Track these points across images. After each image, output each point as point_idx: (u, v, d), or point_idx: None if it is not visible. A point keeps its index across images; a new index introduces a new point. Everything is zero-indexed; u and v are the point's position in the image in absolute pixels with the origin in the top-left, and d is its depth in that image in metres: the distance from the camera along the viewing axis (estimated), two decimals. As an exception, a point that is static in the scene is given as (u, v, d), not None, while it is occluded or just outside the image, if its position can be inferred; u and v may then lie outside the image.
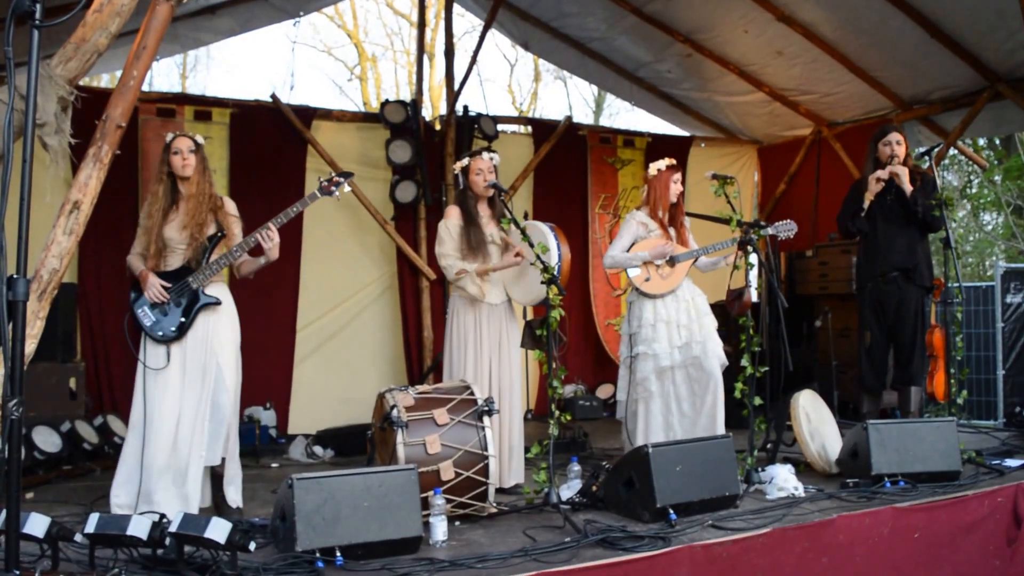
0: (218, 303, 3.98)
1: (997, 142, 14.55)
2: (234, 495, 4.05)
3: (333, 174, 4.13)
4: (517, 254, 4.37)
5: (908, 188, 5.28)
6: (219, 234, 4.01)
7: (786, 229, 4.82)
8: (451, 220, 4.49)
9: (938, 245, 5.60)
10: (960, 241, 15.21)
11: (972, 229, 16.11)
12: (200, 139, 4.08)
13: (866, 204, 5.43)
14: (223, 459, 3.97)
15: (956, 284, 5.14)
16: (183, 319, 3.90)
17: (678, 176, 4.95)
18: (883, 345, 5.53)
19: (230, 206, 4.13)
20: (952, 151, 8.72)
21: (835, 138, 7.99)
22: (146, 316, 3.90)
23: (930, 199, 5.27)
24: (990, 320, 7.75)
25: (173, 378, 3.87)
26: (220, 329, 3.97)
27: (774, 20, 6.58)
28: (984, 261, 15.69)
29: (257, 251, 4.00)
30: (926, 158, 5.72)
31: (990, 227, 16.20)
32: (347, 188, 4.09)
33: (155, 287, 3.88)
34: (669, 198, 4.93)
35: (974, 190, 15.81)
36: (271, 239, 3.91)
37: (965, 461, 4.51)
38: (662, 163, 4.95)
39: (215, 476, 4.00)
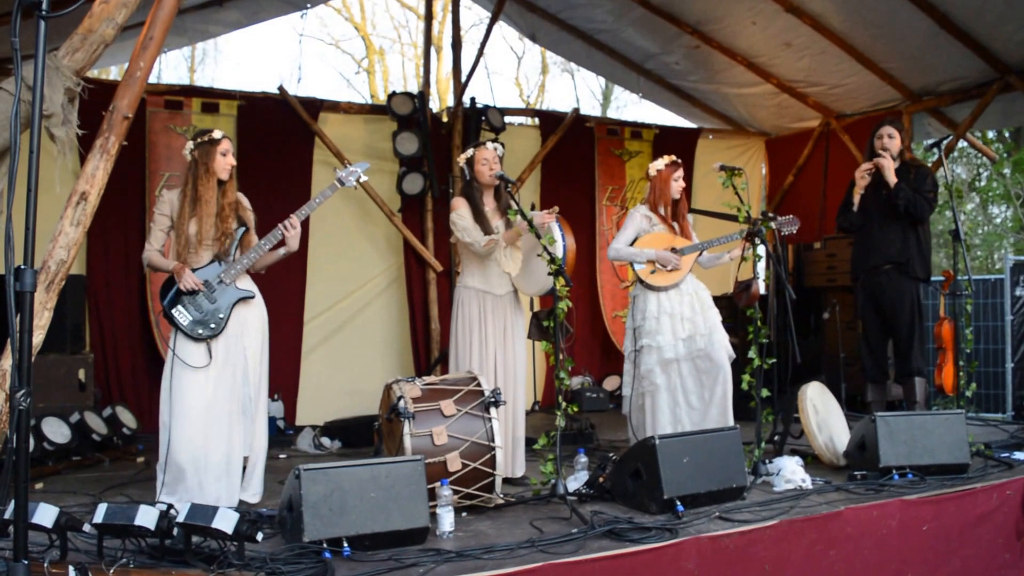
0: (252, 296, 4.02)
1: (1007, 134, 14.47)
2: (258, 488, 4.07)
3: (349, 165, 4.15)
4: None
5: (892, 180, 5.26)
6: (243, 228, 4.05)
7: (789, 225, 4.82)
8: (460, 211, 4.49)
9: (947, 238, 5.57)
10: (969, 234, 15.14)
11: (981, 222, 16.04)
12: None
13: (856, 199, 5.42)
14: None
15: (965, 277, 5.12)
16: (221, 315, 3.90)
17: (679, 174, 4.93)
18: (879, 334, 5.52)
19: (245, 200, 4.19)
20: (961, 143, 8.66)
21: (843, 130, 7.95)
22: (182, 315, 3.87)
23: (923, 190, 5.25)
24: (999, 313, 7.71)
25: (209, 373, 3.87)
26: (251, 321, 4.01)
27: (782, 11, 6.55)
28: (993, 254, 15.61)
29: (276, 244, 4.03)
30: (935, 150, 5.68)
31: (999, 220, 16.12)
32: (364, 178, 4.12)
33: (190, 278, 3.87)
34: (670, 195, 4.93)
35: (983, 183, 15.73)
36: (293, 227, 3.97)
37: (974, 454, 4.50)
38: (661, 162, 4.94)
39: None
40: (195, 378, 3.84)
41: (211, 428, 3.83)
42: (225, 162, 4.01)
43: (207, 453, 3.81)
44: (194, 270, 3.91)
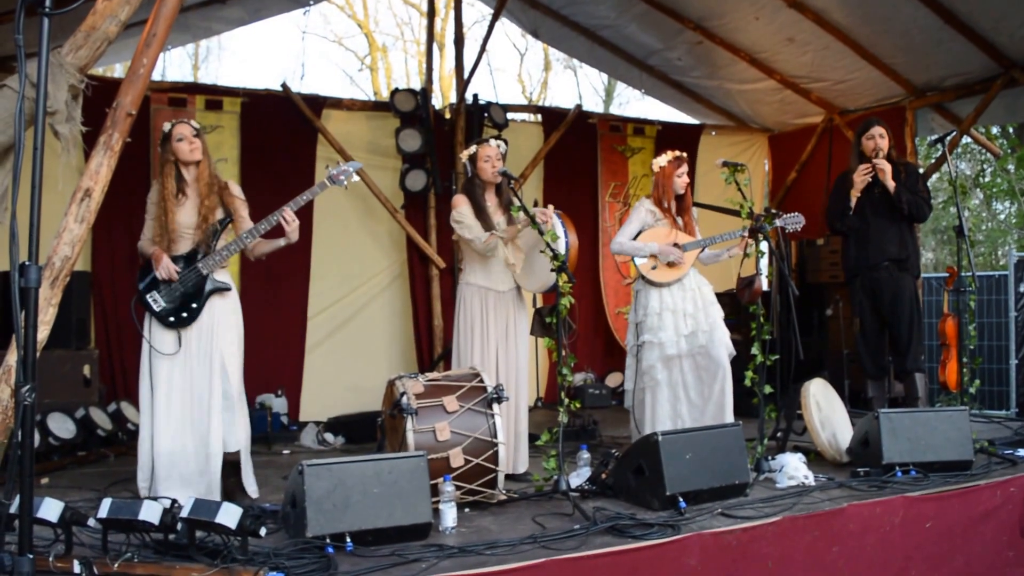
0: (228, 288, 4.00)
1: (1011, 130, 14.41)
2: (251, 484, 4.07)
3: (341, 163, 4.14)
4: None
5: (891, 185, 5.28)
6: (228, 219, 4.04)
7: (794, 222, 4.82)
8: (461, 208, 4.49)
9: (951, 234, 5.58)
10: (973, 230, 15.07)
11: (985, 218, 15.99)
12: (197, 124, 4.09)
13: (852, 201, 5.43)
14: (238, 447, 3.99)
15: (969, 273, 5.11)
16: (195, 304, 3.90)
17: (683, 169, 4.94)
18: (877, 330, 5.53)
19: (235, 188, 4.16)
20: (965, 139, 8.63)
21: (847, 126, 7.92)
22: (156, 302, 3.90)
23: (915, 190, 5.25)
24: (1003, 309, 7.70)
25: (180, 363, 3.89)
26: (225, 316, 3.99)
27: (785, 7, 6.53)
28: (997, 250, 15.56)
29: (273, 233, 4.01)
30: (939, 146, 5.68)
31: (1003, 216, 16.07)
32: (356, 178, 4.10)
33: (167, 266, 3.88)
34: (674, 191, 4.94)
35: (987, 178, 15.68)
36: (292, 220, 3.95)
37: (977, 451, 4.49)
38: (664, 158, 4.95)
39: (229, 463, 4.00)
40: (171, 367, 3.85)
41: (189, 419, 3.84)
42: (183, 146, 3.98)
43: (184, 444, 3.82)
44: (173, 258, 3.92)
